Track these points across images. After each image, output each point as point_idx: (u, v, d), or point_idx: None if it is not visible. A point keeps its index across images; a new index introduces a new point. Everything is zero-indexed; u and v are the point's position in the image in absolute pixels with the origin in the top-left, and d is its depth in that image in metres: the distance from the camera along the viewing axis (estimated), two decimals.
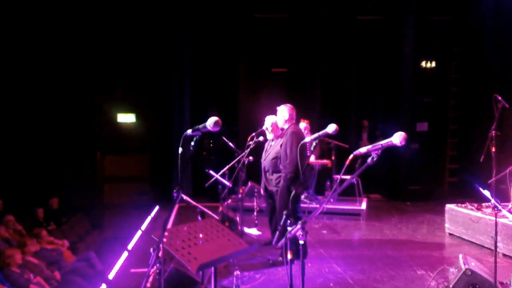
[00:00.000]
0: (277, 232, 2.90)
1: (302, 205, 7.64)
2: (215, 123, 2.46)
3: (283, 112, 5.74)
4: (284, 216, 2.67)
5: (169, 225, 6.62)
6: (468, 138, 10.12)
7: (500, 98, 5.16)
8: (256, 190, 7.24)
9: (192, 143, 2.49)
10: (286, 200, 5.61)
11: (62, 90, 9.78)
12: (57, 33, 9.50)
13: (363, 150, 2.56)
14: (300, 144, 3.61)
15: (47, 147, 9.67)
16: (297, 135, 5.59)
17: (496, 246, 4.61)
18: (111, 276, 5.80)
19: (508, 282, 4.73)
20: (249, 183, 7.36)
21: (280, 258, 5.63)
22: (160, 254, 2.21)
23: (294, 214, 5.38)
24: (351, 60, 10.46)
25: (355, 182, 8.65)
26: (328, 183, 9.07)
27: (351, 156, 2.59)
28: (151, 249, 2.21)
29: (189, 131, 2.51)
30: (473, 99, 9.98)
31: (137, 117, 10.87)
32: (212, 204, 7.58)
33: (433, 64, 10.63)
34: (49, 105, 9.69)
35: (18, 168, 9.36)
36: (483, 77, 9.73)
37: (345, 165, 2.60)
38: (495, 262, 4.51)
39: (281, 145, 5.75)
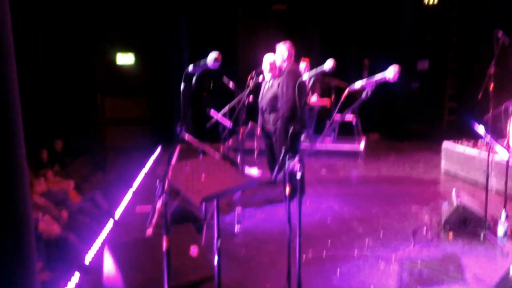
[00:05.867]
0: (276, 167, 3.01)
1: (302, 145, 7.82)
2: (215, 59, 2.48)
3: (282, 50, 5.70)
4: (283, 151, 2.76)
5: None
6: (468, 76, 10.08)
7: (500, 34, 5.12)
8: (256, 130, 7.33)
9: (193, 80, 2.54)
10: (284, 139, 5.70)
11: (60, 33, 9.64)
12: None
13: (357, 85, 2.61)
14: (298, 82, 3.64)
15: (49, 90, 9.66)
16: (294, 74, 5.57)
17: (487, 181, 4.75)
18: (116, 214, 6.01)
19: (499, 217, 4.91)
20: (250, 124, 7.44)
21: (280, 196, 5.80)
22: (165, 186, 2.32)
23: (293, 151, 5.49)
24: None
25: (354, 123, 8.74)
26: (329, 122, 9.15)
27: (346, 92, 2.64)
28: (157, 181, 2.33)
29: (190, 68, 2.54)
30: (474, 36, 9.86)
31: (136, 59, 10.81)
32: (213, 145, 7.70)
33: (435, 0, 10.41)
34: (48, 47, 9.58)
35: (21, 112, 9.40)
36: (484, 13, 9.56)
37: (341, 101, 2.66)
38: (486, 197, 4.68)
39: (278, 85, 5.76)
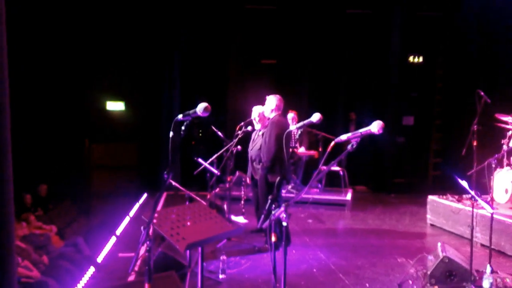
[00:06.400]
0: (262, 216, 3.03)
1: (289, 195, 7.88)
2: (205, 108, 2.57)
3: (271, 101, 5.87)
4: (269, 201, 2.79)
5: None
6: (452, 133, 10.31)
7: (482, 93, 5.32)
8: (243, 179, 7.36)
9: (183, 128, 2.60)
10: (265, 188, 5.75)
11: (51, 77, 9.74)
12: (46, 21, 9.43)
13: (343, 137, 2.70)
14: (285, 133, 3.72)
15: (36, 134, 9.65)
16: (277, 125, 5.71)
17: (472, 235, 4.78)
18: (99, 259, 5.89)
19: (484, 270, 4.91)
20: (237, 172, 7.48)
21: (266, 245, 5.76)
22: (150, 232, 2.32)
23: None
24: (339, 53, 10.56)
25: (341, 174, 8.82)
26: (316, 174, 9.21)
27: (332, 144, 2.71)
28: (142, 228, 2.33)
29: (180, 116, 2.61)
30: (457, 94, 10.17)
31: (126, 106, 10.91)
32: (200, 193, 7.69)
33: (420, 59, 10.79)
34: (37, 92, 9.65)
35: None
36: (467, 73, 9.91)
37: (327, 153, 2.73)
38: (471, 250, 4.70)
39: (263, 134, 5.88)
